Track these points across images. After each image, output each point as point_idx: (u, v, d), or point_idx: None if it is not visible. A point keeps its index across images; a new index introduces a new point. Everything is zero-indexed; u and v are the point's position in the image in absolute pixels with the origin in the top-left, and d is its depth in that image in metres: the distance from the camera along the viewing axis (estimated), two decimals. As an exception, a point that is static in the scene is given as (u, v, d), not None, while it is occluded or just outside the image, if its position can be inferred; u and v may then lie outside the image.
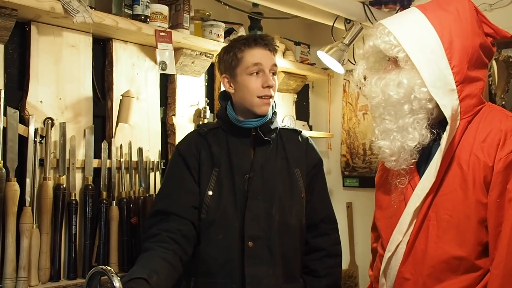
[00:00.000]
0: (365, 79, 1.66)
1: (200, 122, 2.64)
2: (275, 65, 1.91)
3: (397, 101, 1.51)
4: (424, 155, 1.55)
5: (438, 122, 1.53)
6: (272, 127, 1.94)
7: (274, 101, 1.97)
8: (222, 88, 2.00)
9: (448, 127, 1.47)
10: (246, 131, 1.90)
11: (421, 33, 1.50)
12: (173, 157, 1.97)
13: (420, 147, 1.52)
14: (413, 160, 1.54)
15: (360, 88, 1.68)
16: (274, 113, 1.97)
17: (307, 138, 2.05)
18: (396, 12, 2.91)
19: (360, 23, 2.90)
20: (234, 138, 1.92)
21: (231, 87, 1.92)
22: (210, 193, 1.85)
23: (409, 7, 2.92)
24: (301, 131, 2.05)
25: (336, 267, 2.01)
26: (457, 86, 1.47)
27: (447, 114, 1.46)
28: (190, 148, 1.92)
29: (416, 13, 1.55)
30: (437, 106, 1.49)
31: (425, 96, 1.48)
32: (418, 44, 1.49)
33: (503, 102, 2.93)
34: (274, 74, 1.91)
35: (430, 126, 1.52)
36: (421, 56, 1.48)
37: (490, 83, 2.90)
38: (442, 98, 1.47)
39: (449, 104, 1.46)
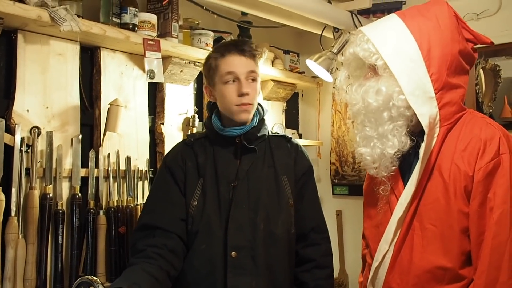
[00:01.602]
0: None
1: (189, 131, 2.63)
2: (252, 71, 1.85)
3: (376, 108, 1.51)
4: (408, 164, 1.55)
5: (419, 131, 1.52)
6: (259, 134, 1.91)
7: (263, 108, 1.95)
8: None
9: (425, 136, 1.47)
10: (231, 139, 1.88)
11: (400, 41, 1.50)
12: (160, 169, 1.96)
13: (400, 154, 1.52)
14: (394, 167, 1.54)
15: (341, 94, 1.68)
16: (262, 120, 1.94)
17: (297, 144, 2.00)
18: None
19: (349, 32, 2.91)
20: (219, 147, 1.90)
21: (212, 96, 1.91)
22: (195, 203, 1.82)
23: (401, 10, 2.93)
24: (291, 138, 2.01)
25: (326, 279, 1.93)
26: (436, 93, 1.47)
27: (424, 122, 1.46)
28: (176, 159, 1.90)
29: (395, 20, 1.55)
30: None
31: (403, 103, 1.48)
32: (397, 52, 1.49)
33: (491, 110, 2.95)
34: (253, 80, 1.86)
35: (410, 133, 1.52)
36: (399, 64, 1.48)
37: (478, 91, 2.92)
38: (421, 106, 1.46)
39: (427, 113, 1.46)
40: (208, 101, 1.99)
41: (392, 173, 1.55)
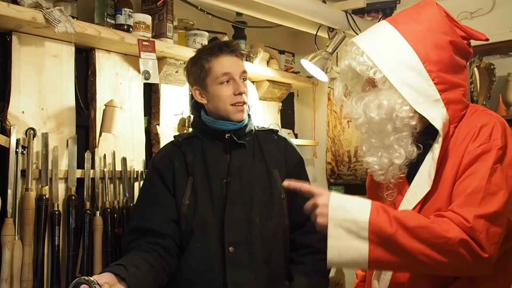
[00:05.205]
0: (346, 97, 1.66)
1: (185, 131, 2.63)
2: (244, 71, 1.90)
3: (379, 121, 1.49)
4: (413, 163, 1.53)
5: (424, 133, 1.51)
6: (247, 130, 1.94)
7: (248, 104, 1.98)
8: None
9: (440, 138, 1.45)
10: (220, 135, 1.90)
11: (396, 51, 1.47)
12: (148, 172, 1.98)
13: (408, 162, 1.50)
14: (402, 175, 1.53)
15: (341, 106, 1.68)
16: (249, 116, 1.97)
17: (284, 138, 2.03)
18: (379, 20, 2.93)
19: (343, 32, 2.93)
20: (209, 143, 1.91)
21: (204, 98, 1.92)
22: (187, 202, 1.84)
23: (391, 16, 2.93)
24: (278, 131, 2.04)
25: (324, 261, 1.98)
26: (441, 95, 1.46)
27: (438, 126, 1.44)
28: (164, 160, 1.92)
29: (387, 28, 1.53)
30: (420, 119, 1.47)
31: (407, 114, 1.46)
32: (394, 63, 1.46)
33: (485, 109, 2.97)
34: (244, 79, 1.91)
35: (416, 140, 1.51)
36: (398, 75, 1.46)
37: (472, 90, 2.93)
38: (429, 111, 1.45)
39: (437, 115, 1.45)
40: (193, 101, 2.00)
41: (400, 180, 1.53)
